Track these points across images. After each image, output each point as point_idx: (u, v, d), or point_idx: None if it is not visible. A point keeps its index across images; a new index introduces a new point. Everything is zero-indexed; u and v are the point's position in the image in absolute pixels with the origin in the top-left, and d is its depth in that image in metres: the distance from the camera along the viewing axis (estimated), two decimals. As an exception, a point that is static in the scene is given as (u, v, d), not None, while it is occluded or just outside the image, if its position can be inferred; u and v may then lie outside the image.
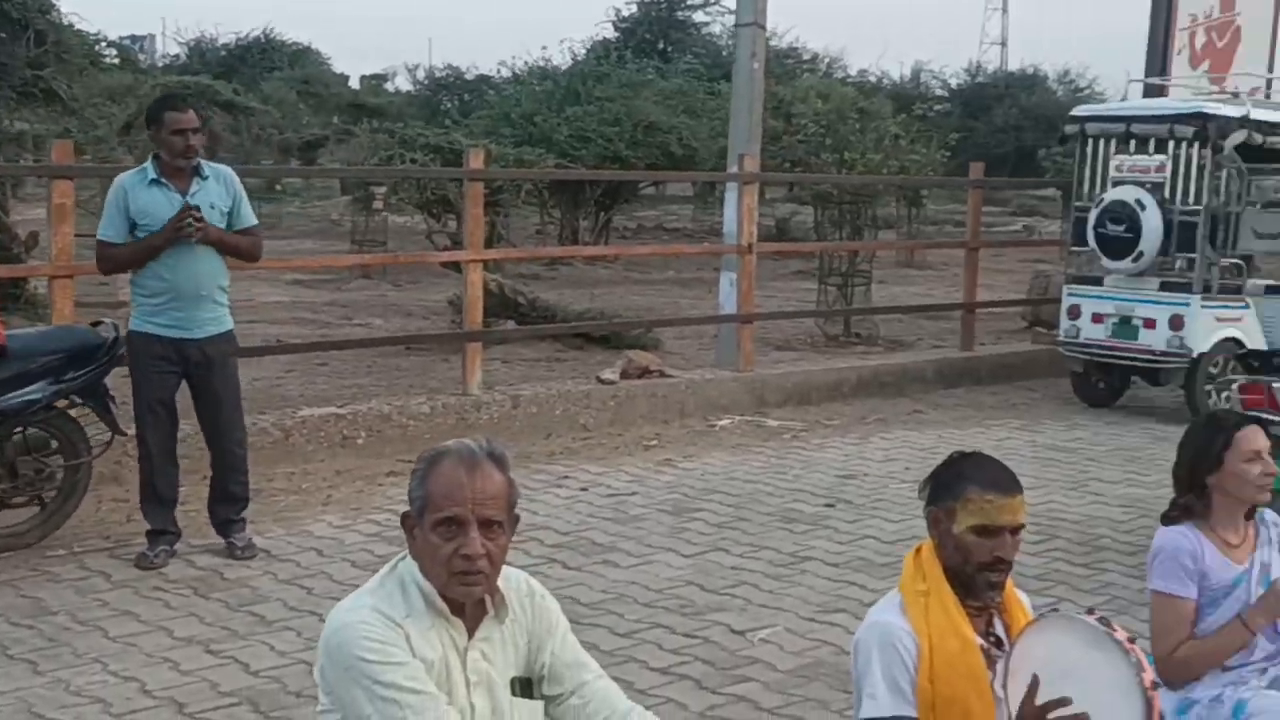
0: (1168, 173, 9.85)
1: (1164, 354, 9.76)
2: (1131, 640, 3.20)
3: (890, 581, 5.70)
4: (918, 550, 3.52)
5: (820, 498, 7.55)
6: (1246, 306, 9.85)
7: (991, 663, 3.43)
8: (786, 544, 6.65)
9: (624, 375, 9.35)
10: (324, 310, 14.62)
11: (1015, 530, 3.40)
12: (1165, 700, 4.22)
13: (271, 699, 4.72)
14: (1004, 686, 3.38)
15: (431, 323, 12.92)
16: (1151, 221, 9.76)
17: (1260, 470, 4.16)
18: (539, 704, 2.96)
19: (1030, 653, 3.33)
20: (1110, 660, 3.18)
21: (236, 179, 6.25)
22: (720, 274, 10.73)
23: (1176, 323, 9.65)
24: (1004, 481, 3.42)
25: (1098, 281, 10.25)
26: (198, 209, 5.97)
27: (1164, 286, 9.92)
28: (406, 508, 2.85)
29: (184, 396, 6.27)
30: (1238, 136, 9.66)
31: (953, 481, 3.42)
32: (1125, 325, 9.98)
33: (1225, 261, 10.01)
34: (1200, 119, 9.65)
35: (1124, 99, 11.61)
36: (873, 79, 39.72)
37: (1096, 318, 10.13)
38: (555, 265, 19.56)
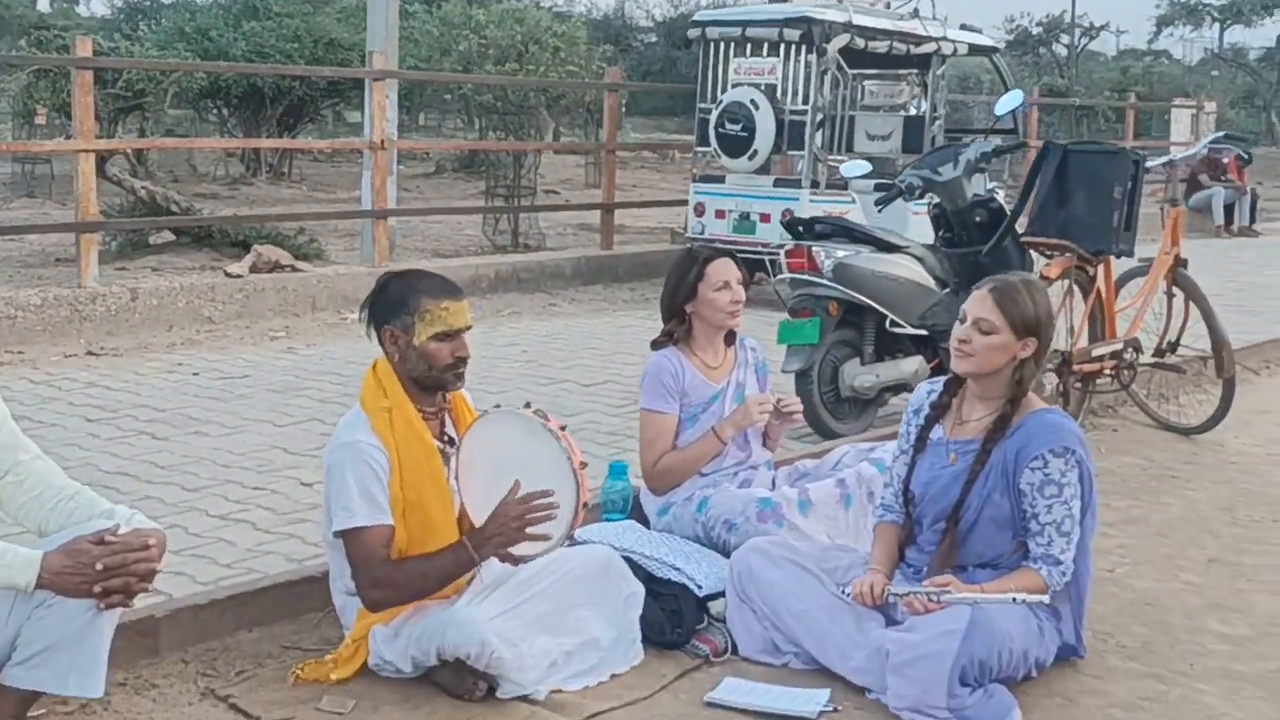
0: (779, 75, 10.45)
1: (778, 247, 10.33)
2: (563, 428, 3.61)
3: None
4: (374, 368, 3.83)
5: (431, 376, 7.86)
6: (853, 202, 10.51)
7: (446, 460, 3.80)
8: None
9: (253, 269, 9.46)
10: (-25, 226, 14.16)
11: (467, 330, 3.78)
12: (650, 504, 4.73)
13: None
14: (457, 479, 3.77)
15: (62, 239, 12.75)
16: (764, 121, 10.35)
17: (729, 298, 4.64)
18: (-23, 482, 3.18)
19: (480, 446, 3.71)
20: (547, 447, 3.57)
21: None
22: (363, 174, 10.90)
23: (787, 217, 10.25)
24: (451, 289, 3.78)
25: (720, 180, 10.82)
26: None
27: (777, 183, 10.55)
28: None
29: None
30: (840, 40, 10.30)
31: (404, 298, 3.74)
32: (744, 221, 10.57)
33: (833, 160, 10.69)
34: (805, 23, 10.26)
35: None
36: (581, 9, 40.22)
37: (719, 214, 10.70)
38: (237, 185, 19.40)
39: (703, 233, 10.78)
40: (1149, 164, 6.35)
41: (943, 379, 4.13)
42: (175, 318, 8.89)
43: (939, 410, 4.04)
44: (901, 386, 6.83)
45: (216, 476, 5.83)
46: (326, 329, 9.23)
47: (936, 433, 4.03)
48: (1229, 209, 17.83)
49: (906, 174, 7.37)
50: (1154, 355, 6.72)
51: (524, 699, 3.58)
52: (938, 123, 10.93)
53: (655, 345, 4.80)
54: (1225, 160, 18.00)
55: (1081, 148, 6.24)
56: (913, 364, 6.76)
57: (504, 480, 3.59)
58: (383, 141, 10.07)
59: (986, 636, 3.58)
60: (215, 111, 20.58)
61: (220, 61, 16.43)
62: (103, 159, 13.23)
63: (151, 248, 11.93)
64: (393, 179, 10.66)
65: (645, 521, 4.71)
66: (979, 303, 3.89)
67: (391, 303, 3.74)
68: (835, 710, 3.65)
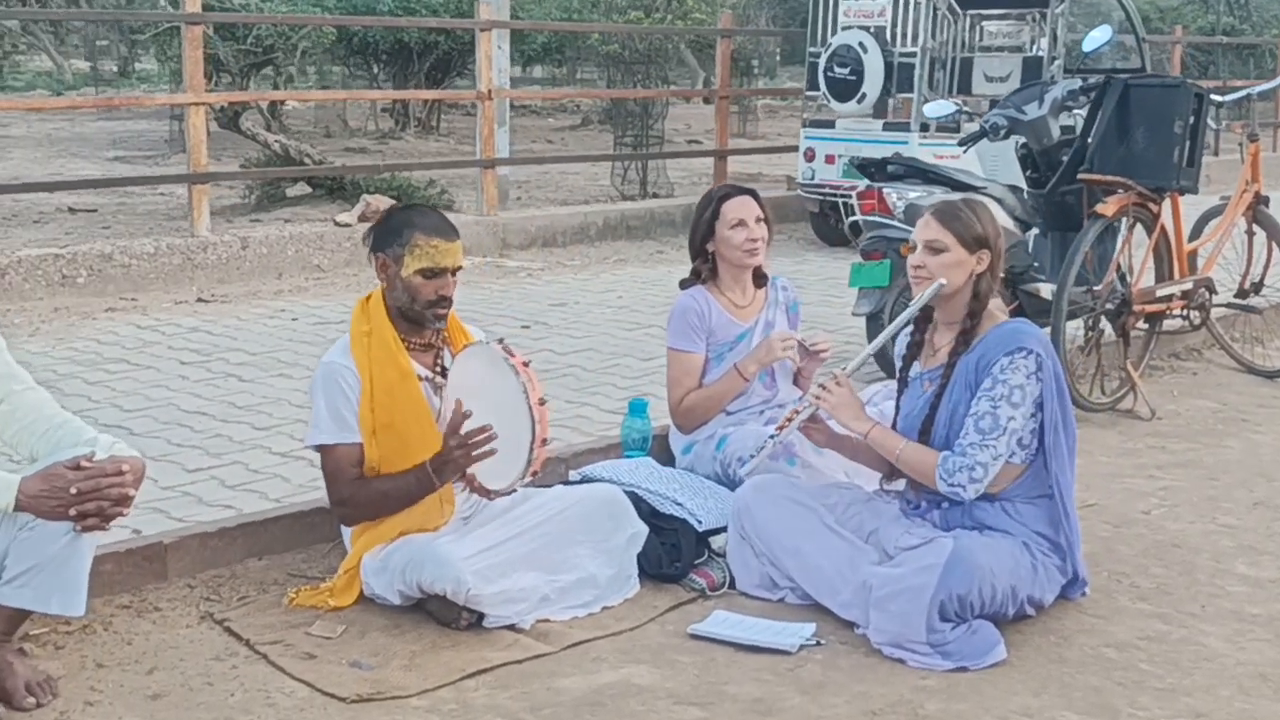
0: (889, 17, 10.31)
1: (887, 190, 10.22)
2: (526, 364, 3.68)
3: (549, 385, 6.24)
4: (368, 297, 3.96)
5: (520, 321, 7.99)
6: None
7: (439, 390, 3.91)
8: (460, 357, 7.07)
9: (362, 219, 9.68)
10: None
11: (455, 271, 3.87)
12: (676, 442, 4.77)
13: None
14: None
15: (234, 189, 13.18)
16: (873, 64, 10.21)
17: (744, 236, 4.64)
18: (-26, 408, 3.37)
19: (458, 380, 3.82)
20: (508, 382, 3.66)
21: None
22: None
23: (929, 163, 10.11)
24: (445, 228, 3.87)
25: (830, 125, 10.72)
26: None
27: (887, 127, 10.41)
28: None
29: None
30: (952, -21, 10.11)
31: (400, 229, 3.85)
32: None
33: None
34: (914, -37, 10.08)
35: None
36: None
37: (829, 159, 10.60)
38: (385, 139, 19.77)
39: (813, 178, 10.71)
40: (1223, 99, 6.13)
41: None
42: (285, 265, 9.15)
43: (914, 349, 4.04)
44: (977, 329, 6.72)
45: (288, 416, 6.02)
46: (432, 276, 9.39)
47: (914, 370, 4.02)
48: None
49: (991, 113, 7.23)
50: (1236, 296, 6.50)
51: (510, 628, 3.67)
52: (1056, 63, 10.63)
53: (683, 285, 4.83)
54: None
55: (1143, 81, 6.05)
56: (988, 306, 6.64)
57: (473, 411, 3.68)
58: (489, 91, 10.20)
59: (966, 571, 3.56)
60: (365, 68, 20.96)
61: (342, 15, 16.69)
62: (236, 114, 13.66)
63: (287, 200, 12.27)
64: (504, 129, 10.79)
65: (671, 460, 4.76)
66: (923, 227, 3.90)
67: (388, 231, 3.86)
68: (818, 644, 3.67)
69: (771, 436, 4.08)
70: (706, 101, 23.98)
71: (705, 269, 4.74)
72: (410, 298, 3.82)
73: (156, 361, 6.89)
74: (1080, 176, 6.01)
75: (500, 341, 3.76)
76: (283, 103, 15.69)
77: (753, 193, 4.72)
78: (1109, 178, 5.82)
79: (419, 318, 3.85)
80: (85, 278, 8.31)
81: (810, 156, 10.72)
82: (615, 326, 7.82)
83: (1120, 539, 4.43)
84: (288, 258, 9.17)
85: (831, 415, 3.94)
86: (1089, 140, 6.05)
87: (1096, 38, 7.11)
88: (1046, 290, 6.68)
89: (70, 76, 29.35)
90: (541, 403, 3.62)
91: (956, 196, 6.54)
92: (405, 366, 3.82)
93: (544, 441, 3.64)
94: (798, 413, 4.03)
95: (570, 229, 10.60)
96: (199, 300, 8.40)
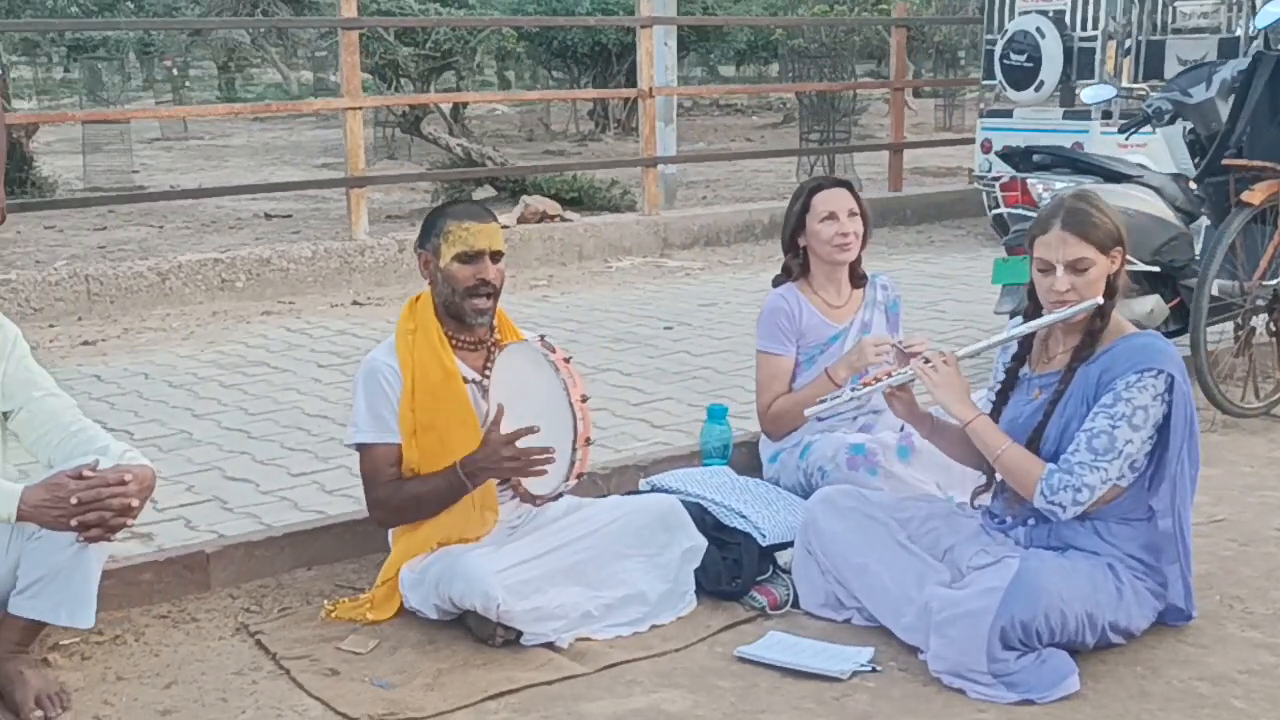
0: (1068, 0, 9.80)
1: (1068, 182, 9.71)
2: (567, 360, 3.50)
3: (675, 387, 6.05)
4: (417, 297, 3.85)
5: (664, 322, 7.80)
6: (1152, 133, 9.73)
7: (486, 394, 3.76)
8: (591, 358, 6.91)
9: (521, 220, 9.64)
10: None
11: (495, 256, 3.72)
12: (764, 450, 4.54)
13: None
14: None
15: (419, 194, 13.37)
16: (1051, 50, 9.73)
17: (834, 230, 4.37)
18: (-2, 415, 3.36)
19: (501, 379, 3.67)
20: (548, 379, 3.49)
21: None
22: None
23: (1077, 150, 9.60)
24: (477, 212, 3.77)
25: (1008, 114, 10.25)
26: None
27: (1067, 115, 9.90)
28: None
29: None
30: (1135, -42, 9.55)
31: (434, 223, 3.76)
32: (1033, 156, 9.95)
33: (1134, 88, 9.91)
34: (1093, -58, 9.56)
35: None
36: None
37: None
38: (585, 141, 19.89)
39: (990, 170, 10.24)
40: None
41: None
42: (441, 268, 9.14)
43: (1023, 347, 3.70)
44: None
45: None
46: (589, 276, 9.30)
47: (1023, 372, 3.69)
48: None
49: (1154, 97, 6.76)
50: None
51: (549, 646, 3.49)
52: (1255, 44, 9.94)
53: (775, 282, 4.59)
54: None
55: (1297, 56, 5.54)
56: (1147, 304, 6.19)
57: (515, 413, 3.53)
58: (650, 89, 10.05)
59: (1031, 596, 3.24)
60: (567, 70, 21.14)
61: (518, 16, 16.76)
62: (418, 119, 13.85)
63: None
64: (671, 127, 10.65)
65: (758, 469, 4.52)
66: (1061, 245, 3.48)
67: (426, 228, 3.78)
68: (874, 670, 3.39)
69: (852, 388, 3.79)
70: (917, 94, 23.54)
71: (796, 265, 4.49)
72: (450, 288, 3.71)
73: (296, 365, 6.92)
74: (1225, 162, 5.53)
75: (542, 338, 3.60)
76: (465, 106, 15.84)
77: (848, 184, 4.45)
78: (1256, 163, 5.33)
79: (459, 310, 3.72)
80: (243, 282, 8.44)
81: (987, 148, 10.27)
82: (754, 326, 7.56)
83: (1243, 559, 4.02)
84: (445, 260, 9.16)
85: (931, 391, 3.60)
86: (1237, 123, 5.56)
87: (1271, 11, 6.56)
88: (1213, 285, 6.20)
89: (296, 87, 30.44)
90: (584, 400, 3.45)
91: (1110, 188, 6.17)
92: (450, 366, 3.70)
93: (588, 441, 3.47)
94: (890, 374, 3.70)
95: (734, 227, 10.38)
96: (354, 303, 8.46)
